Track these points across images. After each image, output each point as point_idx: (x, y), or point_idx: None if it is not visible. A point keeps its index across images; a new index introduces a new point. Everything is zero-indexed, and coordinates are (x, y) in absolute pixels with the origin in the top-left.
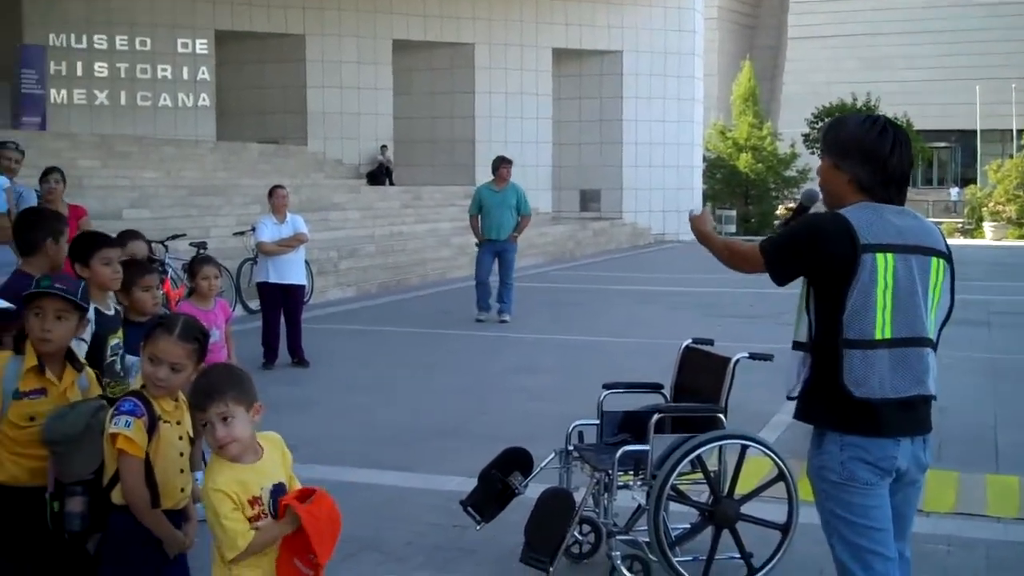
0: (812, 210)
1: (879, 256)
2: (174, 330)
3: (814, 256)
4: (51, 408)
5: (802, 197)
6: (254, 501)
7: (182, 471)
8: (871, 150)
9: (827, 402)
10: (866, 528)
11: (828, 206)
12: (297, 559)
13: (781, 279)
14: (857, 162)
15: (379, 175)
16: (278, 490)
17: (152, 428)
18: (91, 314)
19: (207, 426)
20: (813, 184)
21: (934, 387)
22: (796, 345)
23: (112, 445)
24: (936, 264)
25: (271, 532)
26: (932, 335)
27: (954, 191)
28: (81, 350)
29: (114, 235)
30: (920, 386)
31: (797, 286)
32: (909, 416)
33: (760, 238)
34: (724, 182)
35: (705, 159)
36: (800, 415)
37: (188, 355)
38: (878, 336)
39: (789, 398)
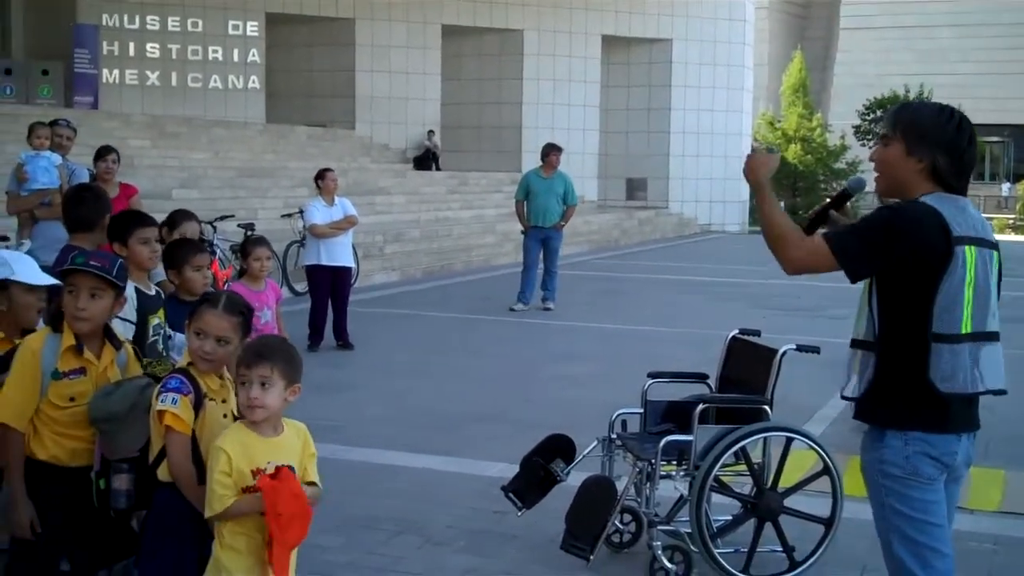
0: (855, 199)
1: (967, 249)
2: (219, 304)
3: (906, 248)
4: (90, 388)
5: (849, 184)
6: (256, 472)
7: None
8: (951, 140)
9: (902, 399)
10: (926, 524)
11: (886, 193)
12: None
13: (862, 273)
14: (936, 150)
15: (425, 160)
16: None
17: (198, 406)
18: (131, 292)
19: (244, 384)
20: (868, 176)
21: (1003, 382)
22: (855, 343)
23: (159, 422)
24: (996, 258)
25: (247, 504)
26: (998, 329)
27: (1005, 186)
28: (128, 331)
29: (164, 215)
30: (997, 380)
31: (838, 279)
32: (971, 412)
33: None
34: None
35: (753, 150)
36: (865, 415)
37: (234, 328)
38: (963, 330)
39: (844, 398)
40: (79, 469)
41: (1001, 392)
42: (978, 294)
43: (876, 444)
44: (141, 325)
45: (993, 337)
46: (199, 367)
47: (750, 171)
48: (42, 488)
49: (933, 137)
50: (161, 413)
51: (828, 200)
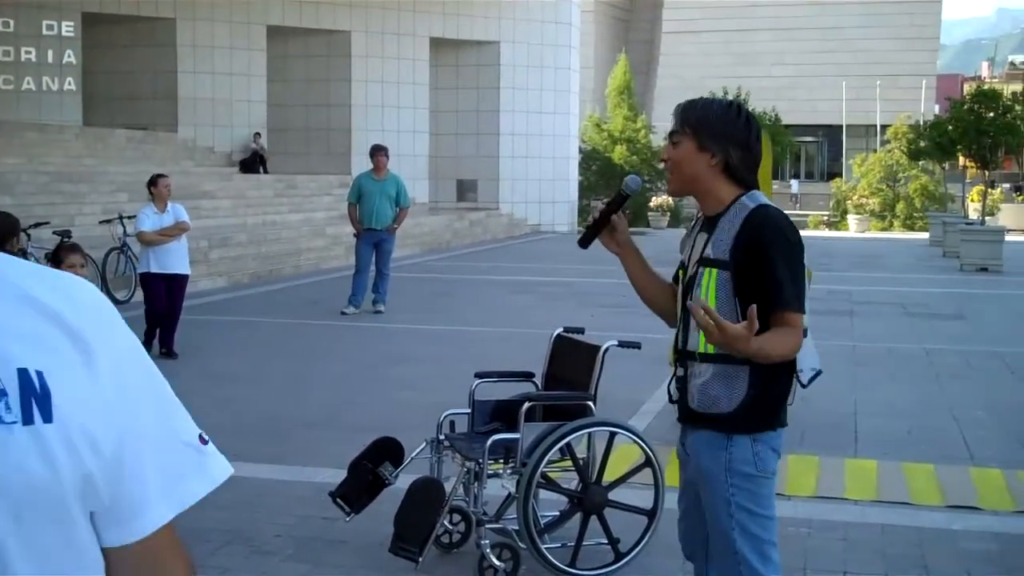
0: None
1: None
2: None
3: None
4: None
5: (625, 186)
6: None
7: None
8: (741, 135)
9: (773, 403)
10: (767, 519)
11: (679, 192)
12: None
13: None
14: (728, 145)
15: (252, 163)
16: None
17: None
18: None
19: None
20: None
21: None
22: (712, 358)
23: None
24: None
25: None
26: None
27: (794, 184)
28: None
29: None
30: (816, 362)
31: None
32: None
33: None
34: (599, 173)
35: (581, 151)
36: (742, 427)
37: None
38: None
39: (707, 414)
40: None
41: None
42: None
43: (720, 443)
44: None
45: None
46: None
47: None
48: None
49: (724, 133)
50: None
51: (605, 204)
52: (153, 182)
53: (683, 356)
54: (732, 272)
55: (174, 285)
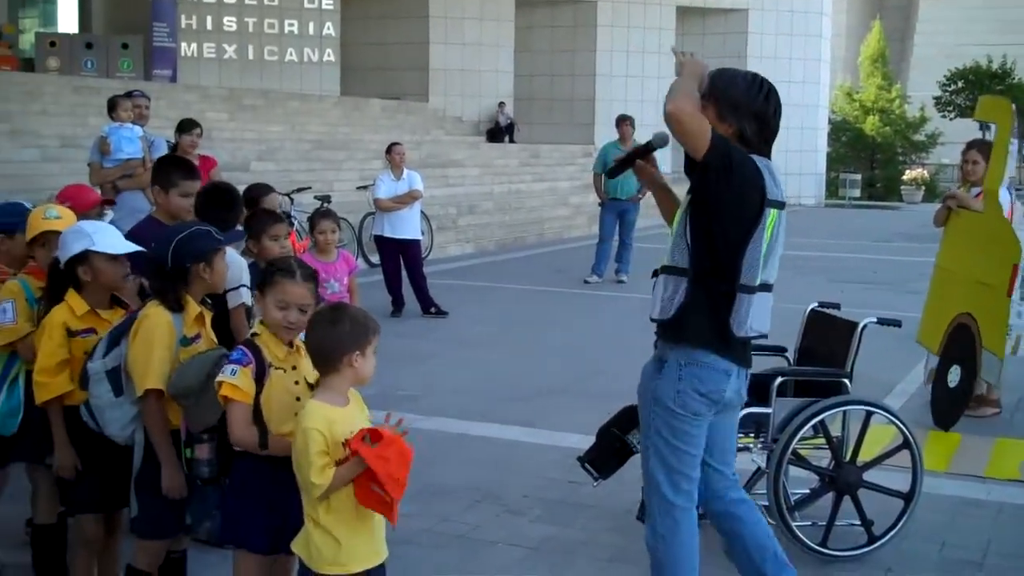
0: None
1: (772, 212)
2: (295, 273)
3: (736, 182)
4: (206, 349)
5: (654, 138)
6: (346, 443)
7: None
8: (760, 109)
9: (701, 329)
10: (684, 453)
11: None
12: (375, 484)
13: (699, 167)
14: (745, 118)
15: (498, 132)
16: None
17: (262, 375)
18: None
19: (356, 366)
20: (949, 148)
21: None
22: (669, 270)
23: (219, 393)
24: (785, 216)
25: (343, 475)
26: (774, 281)
27: None
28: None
29: (242, 187)
30: (764, 326)
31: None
32: (747, 352)
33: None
34: (849, 145)
35: (830, 121)
36: (669, 336)
37: (312, 294)
38: (756, 283)
39: (653, 320)
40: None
41: (763, 336)
42: (770, 251)
43: (655, 375)
44: None
45: (770, 288)
46: (281, 336)
47: (686, 72)
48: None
49: (744, 106)
50: (220, 383)
51: (634, 149)
52: (388, 150)
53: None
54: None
55: (406, 250)
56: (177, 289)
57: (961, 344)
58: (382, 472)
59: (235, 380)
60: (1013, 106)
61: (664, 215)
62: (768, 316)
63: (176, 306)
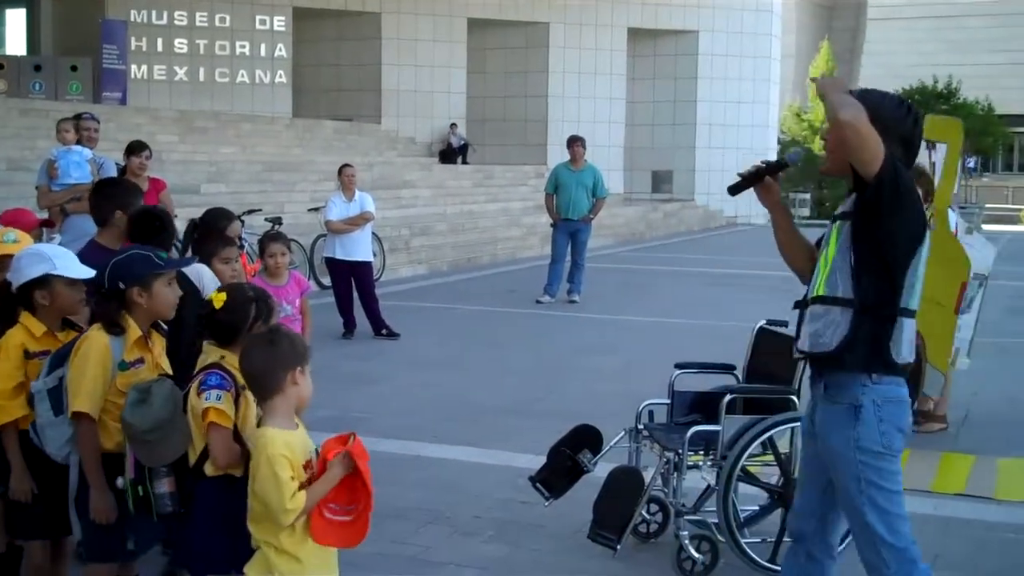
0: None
1: (929, 233)
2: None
3: (913, 201)
4: (151, 375)
5: (788, 156)
6: (307, 465)
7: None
8: (908, 133)
9: (875, 344)
10: (894, 494)
11: (834, 172)
12: (326, 511)
13: (873, 184)
14: (894, 142)
15: (450, 154)
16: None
17: (237, 397)
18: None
19: (299, 385)
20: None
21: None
22: (831, 300)
23: (204, 420)
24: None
25: (324, 486)
26: None
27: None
28: None
29: (193, 210)
30: (911, 355)
31: None
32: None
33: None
34: (798, 165)
35: (780, 141)
36: (841, 365)
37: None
38: (913, 307)
39: (817, 353)
40: None
41: (909, 364)
42: (921, 274)
43: (849, 422)
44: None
45: (914, 314)
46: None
47: (829, 94)
48: (113, 475)
49: (893, 129)
50: (206, 411)
51: (766, 165)
52: (340, 171)
53: (803, 305)
54: (853, 222)
55: (357, 272)
56: (114, 312)
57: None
58: (366, 471)
59: (221, 405)
60: (963, 125)
61: (783, 245)
62: (912, 343)
63: (114, 329)
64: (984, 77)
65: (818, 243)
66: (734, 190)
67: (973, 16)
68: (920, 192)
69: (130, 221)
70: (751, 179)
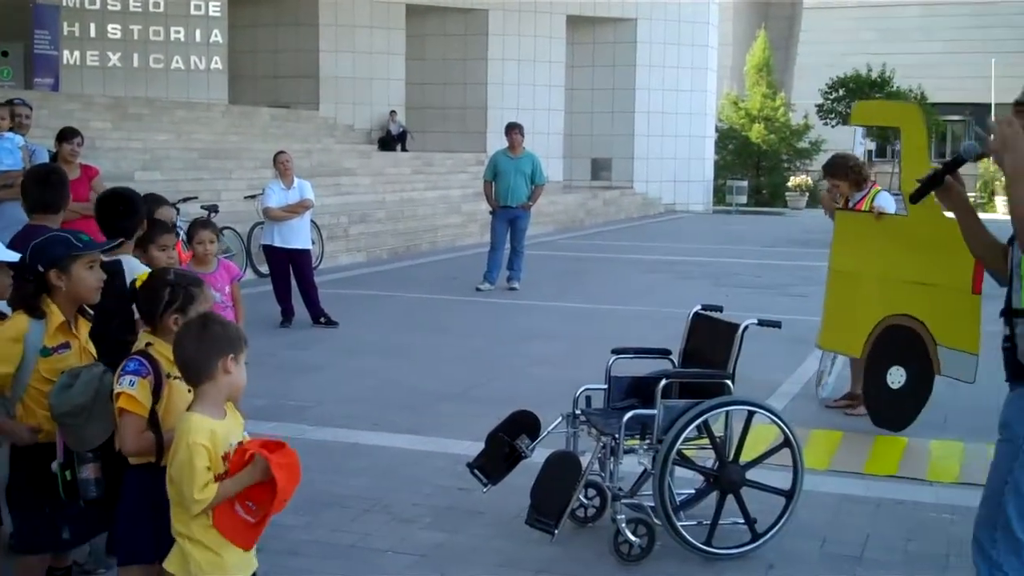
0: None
1: None
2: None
3: None
4: (76, 361)
5: (964, 151)
6: (225, 456)
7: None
8: None
9: None
10: None
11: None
12: (238, 505)
13: None
14: None
15: (390, 141)
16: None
17: (159, 386)
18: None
19: (232, 373)
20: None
21: None
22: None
23: (115, 405)
24: None
25: (240, 482)
26: None
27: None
28: None
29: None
30: None
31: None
32: None
33: (777, 209)
34: (736, 153)
35: (717, 129)
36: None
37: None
38: None
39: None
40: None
41: None
42: None
43: None
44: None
45: None
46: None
47: (1005, 138)
48: (43, 465)
49: None
50: (117, 395)
51: (943, 164)
52: (275, 158)
53: (1011, 314)
54: None
55: (296, 260)
56: (31, 295)
57: (899, 346)
58: (282, 482)
59: (133, 391)
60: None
61: (973, 246)
62: None
63: (35, 312)
64: (918, 66)
65: (1011, 241)
66: (915, 198)
67: (908, 5)
68: (849, 180)
69: (97, 204)
70: (930, 183)
